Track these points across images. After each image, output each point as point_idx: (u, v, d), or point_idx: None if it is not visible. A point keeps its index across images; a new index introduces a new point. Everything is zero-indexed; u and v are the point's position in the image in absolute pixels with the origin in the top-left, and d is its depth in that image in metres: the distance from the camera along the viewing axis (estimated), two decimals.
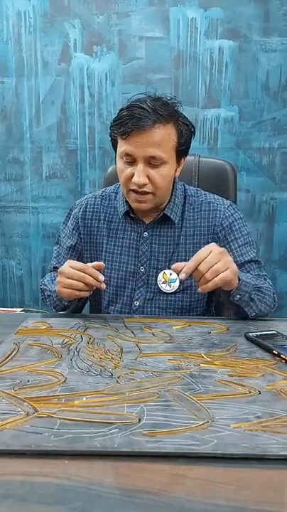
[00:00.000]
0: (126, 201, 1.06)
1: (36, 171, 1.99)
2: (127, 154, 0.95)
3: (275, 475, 0.46)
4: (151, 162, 0.95)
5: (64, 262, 1.02)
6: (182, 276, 0.83)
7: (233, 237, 1.06)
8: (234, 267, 0.85)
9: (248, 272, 1.05)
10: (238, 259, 1.05)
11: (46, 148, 1.96)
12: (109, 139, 1.03)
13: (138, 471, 0.46)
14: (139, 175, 0.95)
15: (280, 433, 0.51)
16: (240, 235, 1.07)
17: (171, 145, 0.96)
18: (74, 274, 0.89)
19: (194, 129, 1.01)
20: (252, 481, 0.44)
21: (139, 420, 0.53)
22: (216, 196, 1.11)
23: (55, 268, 1.12)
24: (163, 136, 0.94)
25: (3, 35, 1.88)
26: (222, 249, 0.86)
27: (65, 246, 1.13)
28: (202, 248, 0.86)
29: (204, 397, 0.60)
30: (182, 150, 1.00)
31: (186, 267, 0.84)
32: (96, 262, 0.92)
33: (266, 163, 1.92)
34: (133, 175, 0.96)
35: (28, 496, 0.41)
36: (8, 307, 1.64)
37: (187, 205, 1.08)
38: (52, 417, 0.53)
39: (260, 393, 0.61)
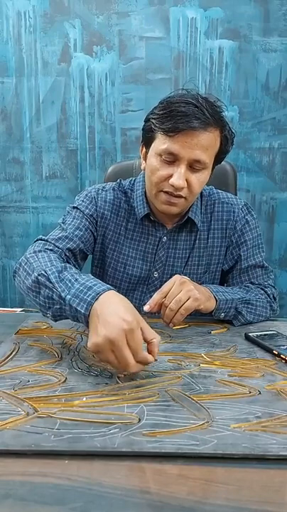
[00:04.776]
0: (147, 203, 1.01)
1: (36, 171, 1.99)
2: (170, 153, 0.87)
3: (275, 475, 0.45)
4: (194, 166, 0.89)
5: (70, 243, 0.94)
6: (146, 308, 0.82)
7: (243, 240, 1.04)
8: (196, 293, 0.83)
9: (251, 279, 1.04)
10: (243, 263, 1.04)
11: (46, 148, 1.96)
12: (141, 130, 0.95)
13: (138, 471, 0.46)
14: (180, 177, 0.88)
15: (280, 433, 0.51)
16: (250, 237, 1.04)
17: (215, 151, 0.91)
18: (120, 347, 0.61)
19: (234, 137, 0.95)
20: (252, 481, 0.44)
21: (139, 420, 0.53)
22: (229, 195, 1.08)
23: (55, 246, 0.92)
24: (211, 141, 0.88)
25: (3, 35, 1.88)
26: (184, 278, 0.85)
27: (82, 226, 0.99)
28: (166, 282, 0.85)
29: (204, 397, 0.60)
30: (220, 158, 0.95)
31: (151, 299, 0.83)
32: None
33: (266, 163, 1.92)
34: (169, 176, 0.89)
35: (28, 495, 0.41)
36: (8, 307, 1.64)
37: (202, 207, 1.05)
38: (52, 417, 0.53)
39: (260, 393, 0.61)
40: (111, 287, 0.70)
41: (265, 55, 1.84)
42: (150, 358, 0.64)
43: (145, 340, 0.65)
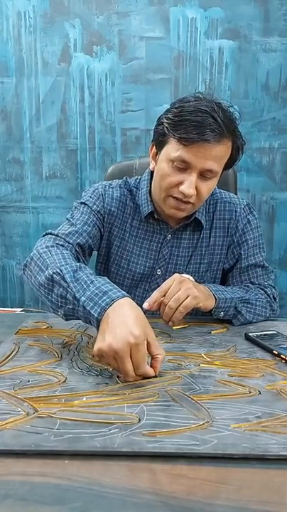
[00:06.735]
0: (151, 201, 1.02)
1: (36, 171, 1.99)
2: (182, 161, 0.88)
3: (275, 475, 0.45)
4: (205, 174, 0.90)
5: (79, 237, 0.93)
6: (145, 306, 0.82)
7: (244, 239, 1.04)
8: (195, 291, 0.84)
9: (251, 279, 1.04)
10: (243, 262, 1.04)
11: (46, 148, 1.96)
12: (152, 129, 0.95)
13: (138, 471, 0.46)
14: (191, 186, 0.88)
15: (280, 433, 0.51)
16: (251, 236, 1.05)
17: (226, 160, 0.93)
18: (123, 358, 0.62)
19: (244, 145, 0.95)
20: (252, 481, 0.44)
21: (139, 420, 0.53)
22: (231, 194, 1.09)
23: (66, 241, 0.92)
24: (224, 152, 0.90)
25: (3, 35, 1.89)
26: (183, 277, 0.85)
27: (90, 222, 0.99)
28: (166, 280, 0.85)
29: (204, 397, 0.60)
30: (229, 165, 0.96)
31: (150, 297, 0.84)
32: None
33: (266, 163, 1.92)
34: (180, 182, 0.90)
35: (28, 495, 0.41)
36: (8, 307, 1.64)
37: (206, 206, 1.05)
38: (52, 417, 0.53)
39: (260, 393, 0.61)
40: (127, 294, 0.69)
41: (265, 55, 1.84)
42: (151, 372, 0.64)
43: (150, 354, 0.65)
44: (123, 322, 0.63)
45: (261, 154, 1.91)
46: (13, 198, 2.03)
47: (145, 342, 0.63)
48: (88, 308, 0.68)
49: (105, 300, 0.67)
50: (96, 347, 0.64)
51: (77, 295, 0.70)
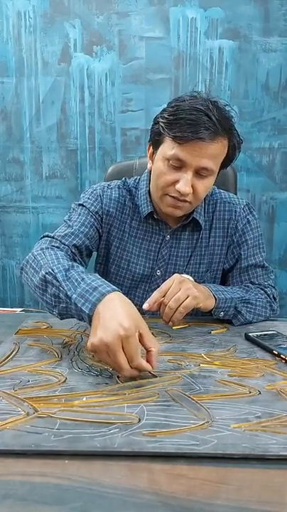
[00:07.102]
0: (151, 201, 1.02)
1: (36, 171, 1.99)
2: (178, 159, 0.88)
3: (275, 475, 0.45)
4: (200, 172, 0.90)
5: (74, 239, 0.93)
6: (145, 306, 0.83)
7: (244, 239, 1.04)
8: (194, 292, 0.84)
9: (251, 279, 1.04)
10: (243, 262, 1.04)
11: (46, 148, 1.96)
12: (150, 128, 0.95)
13: (138, 471, 0.46)
14: (186, 184, 0.89)
15: (280, 433, 0.51)
16: (251, 236, 1.05)
17: (222, 158, 0.93)
18: (115, 352, 0.62)
19: (242, 143, 0.95)
20: (252, 481, 0.44)
21: (139, 420, 0.53)
22: (231, 194, 1.09)
23: (62, 243, 0.93)
24: (220, 150, 0.89)
25: (3, 35, 1.88)
26: (183, 277, 0.86)
27: (87, 223, 0.99)
28: (166, 281, 0.86)
29: (204, 397, 0.60)
30: (226, 164, 0.96)
31: (150, 298, 0.84)
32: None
33: (266, 163, 1.92)
34: (176, 181, 0.90)
35: (28, 495, 0.41)
36: (8, 307, 1.64)
37: (205, 206, 1.05)
38: (52, 417, 0.53)
39: (260, 393, 0.61)
40: (117, 288, 0.69)
41: (265, 55, 1.84)
42: (145, 365, 0.64)
43: (143, 347, 0.65)
44: (113, 316, 0.64)
45: (261, 154, 1.91)
46: (13, 198, 2.02)
47: (137, 334, 0.64)
48: (79, 305, 0.69)
49: (95, 296, 0.68)
50: (88, 343, 0.65)
51: (68, 293, 0.71)
